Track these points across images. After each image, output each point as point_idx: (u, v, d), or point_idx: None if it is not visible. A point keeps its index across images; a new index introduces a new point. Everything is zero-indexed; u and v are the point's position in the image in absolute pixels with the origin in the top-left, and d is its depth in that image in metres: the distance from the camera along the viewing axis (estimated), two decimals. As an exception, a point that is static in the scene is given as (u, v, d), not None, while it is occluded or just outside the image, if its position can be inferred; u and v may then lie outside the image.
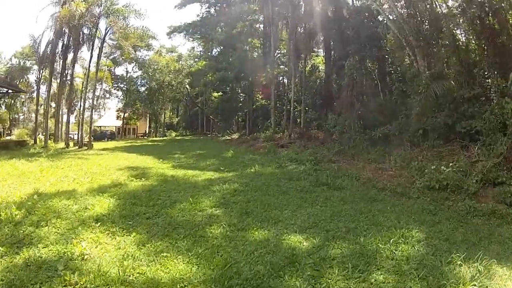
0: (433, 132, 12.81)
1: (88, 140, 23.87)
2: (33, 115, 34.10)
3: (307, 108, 24.88)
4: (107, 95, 49.58)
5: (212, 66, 27.61)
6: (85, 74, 25.18)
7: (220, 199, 6.63)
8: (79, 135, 24.34)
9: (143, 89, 47.20)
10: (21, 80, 40.82)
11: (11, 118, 46.80)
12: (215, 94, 34.53)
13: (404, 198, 7.29)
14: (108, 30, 22.65)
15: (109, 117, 53.43)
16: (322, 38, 27.20)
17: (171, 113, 62.98)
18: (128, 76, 46.44)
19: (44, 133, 28.73)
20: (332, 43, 25.09)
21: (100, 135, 41.13)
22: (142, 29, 23.96)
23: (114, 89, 47.81)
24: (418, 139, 13.64)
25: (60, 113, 29.10)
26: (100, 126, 53.36)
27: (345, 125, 14.86)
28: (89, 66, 24.04)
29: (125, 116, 47.93)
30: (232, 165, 12.22)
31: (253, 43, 27.66)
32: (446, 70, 14.98)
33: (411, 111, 15.13)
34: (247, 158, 14.15)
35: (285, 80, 32.08)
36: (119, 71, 47.38)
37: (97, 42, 23.56)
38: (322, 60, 28.51)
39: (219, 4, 31.83)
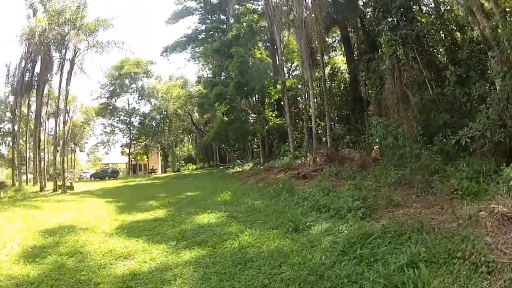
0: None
1: (62, 182, 19.46)
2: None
3: (332, 123, 19.14)
4: (113, 129, 46.04)
5: (208, 83, 22.71)
6: (54, 100, 21.29)
7: None
8: (54, 176, 20.40)
9: (147, 121, 43.26)
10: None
11: (18, 158, 43.89)
12: (225, 119, 29.27)
13: None
14: (77, 51, 18.57)
15: (117, 153, 50.01)
16: (339, 34, 22.07)
17: (190, 145, 58.63)
18: (130, 108, 42.47)
19: (30, 173, 25.73)
20: (352, 33, 19.75)
21: (101, 174, 37.03)
22: (115, 44, 19.55)
23: (117, 123, 44.02)
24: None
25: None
26: (108, 164, 49.88)
27: (398, 133, 9.10)
28: (59, 92, 20.00)
29: (131, 151, 43.84)
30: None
31: (255, 48, 22.66)
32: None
33: (483, 100, 9.30)
34: (243, 206, 8.51)
35: (305, 95, 26.62)
36: (121, 103, 43.76)
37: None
38: (342, 60, 23.08)
39: (215, 14, 27.52)
